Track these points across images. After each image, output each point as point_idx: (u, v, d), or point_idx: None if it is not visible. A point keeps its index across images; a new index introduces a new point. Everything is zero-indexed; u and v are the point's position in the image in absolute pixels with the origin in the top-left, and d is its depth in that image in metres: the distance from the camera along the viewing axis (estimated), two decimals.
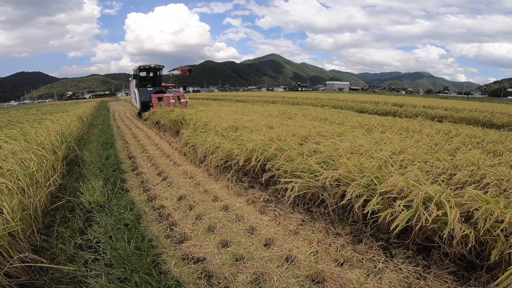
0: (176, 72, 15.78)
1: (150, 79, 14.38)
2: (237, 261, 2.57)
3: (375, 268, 2.43)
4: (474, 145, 4.52)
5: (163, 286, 2.17)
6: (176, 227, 3.18)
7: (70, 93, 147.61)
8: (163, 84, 14.63)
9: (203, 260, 2.58)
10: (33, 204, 3.05)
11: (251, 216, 3.45)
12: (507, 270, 2.02)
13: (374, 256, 2.59)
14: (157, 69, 14.06)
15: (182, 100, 12.51)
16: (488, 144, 4.57)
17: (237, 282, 2.29)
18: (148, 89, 13.47)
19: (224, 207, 3.66)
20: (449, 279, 2.28)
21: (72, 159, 5.64)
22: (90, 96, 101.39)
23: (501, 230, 2.17)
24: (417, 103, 19.00)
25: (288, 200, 3.55)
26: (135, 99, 14.39)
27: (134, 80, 14.17)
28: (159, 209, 3.66)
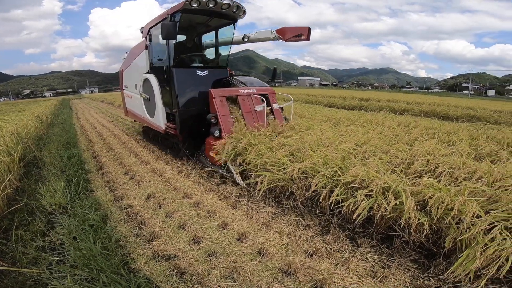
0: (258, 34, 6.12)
1: (195, 49, 6.36)
2: (209, 256, 2.58)
3: (343, 258, 2.53)
4: (431, 136, 4.84)
5: (133, 284, 2.13)
6: (145, 226, 3.12)
7: (27, 91, 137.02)
8: None
9: (175, 257, 2.57)
10: None
11: (224, 211, 3.47)
12: (460, 256, 2.17)
13: (342, 246, 2.70)
14: (231, 16, 5.56)
15: (274, 106, 5.61)
16: (443, 134, 4.91)
17: (210, 277, 2.30)
18: (199, 73, 5.50)
19: (195, 204, 3.63)
20: (412, 267, 2.41)
21: (30, 160, 5.28)
22: (50, 95, 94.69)
23: (453, 218, 2.31)
24: (382, 97, 19.90)
25: (259, 194, 3.61)
26: (150, 99, 5.94)
27: (145, 53, 6.06)
28: (127, 208, 3.56)
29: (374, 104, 15.92)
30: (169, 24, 4.58)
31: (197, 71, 5.52)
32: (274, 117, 5.52)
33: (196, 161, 5.36)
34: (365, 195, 2.68)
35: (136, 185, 4.36)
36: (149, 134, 7.47)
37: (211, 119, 4.79)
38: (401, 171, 3.20)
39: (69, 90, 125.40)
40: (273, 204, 3.55)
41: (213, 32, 6.16)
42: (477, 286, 2.06)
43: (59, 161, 5.09)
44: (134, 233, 3.00)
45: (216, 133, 4.67)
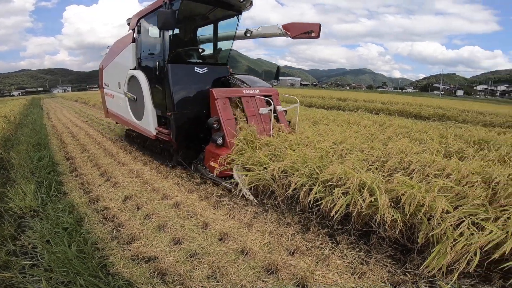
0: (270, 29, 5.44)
1: (192, 43, 5.70)
2: (191, 257, 2.55)
3: (323, 255, 2.58)
4: (404, 135, 5.05)
5: (113, 287, 2.08)
6: (123, 228, 3.03)
7: None
8: None
9: (155, 259, 2.52)
10: None
11: (204, 211, 3.44)
12: (432, 252, 2.24)
13: (322, 243, 2.76)
14: (236, 7, 5.03)
15: (278, 109, 5.15)
16: (415, 133, 5.14)
17: (193, 278, 2.28)
18: (197, 71, 4.92)
19: (175, 205, 3.58)
20: (389, 263, 2.48)
21: None
22: (19, 94, 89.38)
23: (424, 214, 2.39)
24: (359, 97, 20.51)
25: (240, 193, 3.62)
26: (137, 99, 5.32)
27: (132, 47, 5.38)
28: (103, 211, 3.44)
29: (351, 104, 16.39)
30: (167, 11, 4.02)
31: (195, 68, 4.89)
32: (278, 121, 5.00)
33: (194, 172, 4.70)
34: (342, 193, 2.74)
35: (113, 186, 4.23)
36: (133, 139, 6.65)
37: (213, 124, 4.23)
38: (376, 168, 3.30)
39: (39, 89, 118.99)
40: (255, 203, 3.57)
41: (214, 25, 5.52)
42: (450, 280, 2.12)
43: (28, 163, 4.83)
44: (111, 235, 2.92)
45: (219, 141, 4.16)
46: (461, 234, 2.19)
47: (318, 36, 4.98)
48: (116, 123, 7.91)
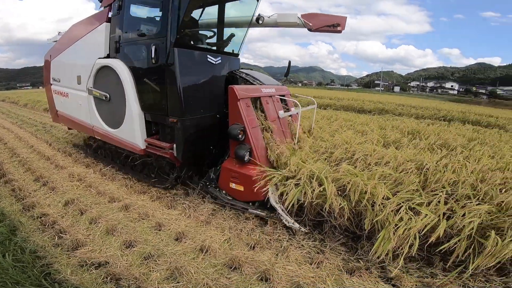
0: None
1: (207, 25, 4.64)
2: (146, 259, 2.45)
3: (281, 247, 2.66)
4: (349, 127, 5.42)
5: None
6: (65, 234, 2.79)
7: None
8: None
9: (106, 264, 2.37)
10: None
11: (157, 212, 3.31)
12: (378, 238, 2.36)
13: (280, 236, 2.84)
14: None
15: (292, 111, 4.33)
16: (358, 125, 5.57)
17: (150, 280, 2.19)
18: (210, 60, 3.78)
19: (124, 207, 3.38)
20: (342, 251, 2.62)
21: None
22: None
23: (368, 201, 2.49)
24: (310, 94, 21.37)
25: (195, 191, 3.54)
26: (111, 99, 4.12)
27: (104, 28, 4.08)
28: (41, 217, 3.11)
29: (303, 100, 17.02)
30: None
31: (208, 56, 3.75)
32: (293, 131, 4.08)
33: (205, 194, 3.65)
34: (295, 184, 2.84)
35: (51, 192, 3.83)
36: (102, 152, 5.16)
37: (238, 134, 3.14)
38: (325, 159, 3.44)
39: None
40: (212, 200, 3.52)
41: (227, 6, 4.43)
42: (398, 264, 2.26)
43: None
44: (53, 242, 2.68)
45: (247, 157, 3.15)
46: (401, 219, 2.31)
47: (340, 31, 4.33)
48: (69, 129, 6.18)
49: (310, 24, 4.29)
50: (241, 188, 3.18)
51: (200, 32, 4.26)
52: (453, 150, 4.04)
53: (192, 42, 3.99)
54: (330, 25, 4.26)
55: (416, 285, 2.22)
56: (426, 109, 13.66)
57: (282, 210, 2.91)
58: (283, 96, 4.23)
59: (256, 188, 2.98)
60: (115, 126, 4.09)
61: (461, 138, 4.86)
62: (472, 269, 2.18)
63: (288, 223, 2.86)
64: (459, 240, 2.23)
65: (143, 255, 2.49)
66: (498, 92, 70.72)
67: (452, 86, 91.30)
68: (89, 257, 2.43)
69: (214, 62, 3.79)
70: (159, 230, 2.94)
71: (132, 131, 3.83)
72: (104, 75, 4.09)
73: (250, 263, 2.43)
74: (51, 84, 5.64)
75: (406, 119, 6.68)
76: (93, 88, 4.33)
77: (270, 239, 2.78)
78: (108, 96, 4.10)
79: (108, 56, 4.06)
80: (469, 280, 2.24)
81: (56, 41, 5.61)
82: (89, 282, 2.17)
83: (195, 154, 3.71)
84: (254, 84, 4.00)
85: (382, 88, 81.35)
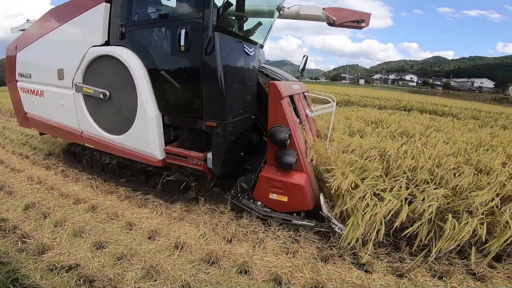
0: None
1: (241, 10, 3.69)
2: (119, 260, 2.38)
3: (258, 239, 2.69)
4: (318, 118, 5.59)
5: None
6: (29, 239, 2.63)
7: None
8: None
9: (77, 267, 2.27)
10: None
11: (127, 211, 3.22)
12: (347, 224, 2.39)
13: (256, 228, 2.87)
14: None
15: (317, 110, 3.88)
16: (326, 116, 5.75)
17: (126, 280, 2.13)
18: (246, 50, 3.26)
19: (91, 208, 3.24)
20: (316, 239, 2.70)
21: None
22: None
23: (338, 189, 2.48)
24: None
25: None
26: (111, 97, 3.34)
27: (102, 9, 3.20)
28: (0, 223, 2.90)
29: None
30: None
31: (244, 45, 3.24)
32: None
33: (238, 204, 3.08)
34: None
35: (8, 196, 3.55)
36: (90, 160, 4.35)
37: (287, 138, 2.67)
38: None
39: None
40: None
41: None
42: (367, 250, 2.33)
43: None
44: (16, 248, 2.52)
45: (293, 163, 2.71)
46: (367, 205, 2.36)
47: (362, 27, 4.06)
48: (41, 134, 5.19)
49: (334, 18, 3.97)
50: (285, 199, 2.79)
51: (237, 15, 3.58)
52: (412, 137, 4.29)
53: (231, 29, 3.36)
54: (355, 21, 3.99)
55: (386, 270, 2.31)
56: (388, 100, 14.49)
57: (336, 218, 2.62)
58: (303, 93, 3.87)
59: (306, 197, 2.69)
60: (118, 131, 3.39)
61: (419, 126, 5.22)
62: (435, 253, 2.28)
63: (342, 231, 2.55)
64: (421, 224, 2.33)
65: (116, 255, 2.42)
66: (451, 84, 76.37)
67: (411, 78, 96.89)
68: (57, 261, 2.32)
69: (249, 53, 3.29)
70: (131, 230, 2.86)
71: (146, 138, 3.14)
72: (102, 68, 3.34)
73: (228, 257, 2.43)
74: (17, 81, 4.67)
75: (370, 109, 7.02)
76: (82, 85, 3.54)
77: (247, 232, 2.81)
78: (107, 94, 3.33)
79: (106, 44, 3.31)
80: (434, 264, 2.36)
81: (23, 29, 4.72)
82: (61, 285, 2.09)
83: (229, 163, 3.16)
84: (281, 80, 3.51)
85: (348, 81, 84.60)
